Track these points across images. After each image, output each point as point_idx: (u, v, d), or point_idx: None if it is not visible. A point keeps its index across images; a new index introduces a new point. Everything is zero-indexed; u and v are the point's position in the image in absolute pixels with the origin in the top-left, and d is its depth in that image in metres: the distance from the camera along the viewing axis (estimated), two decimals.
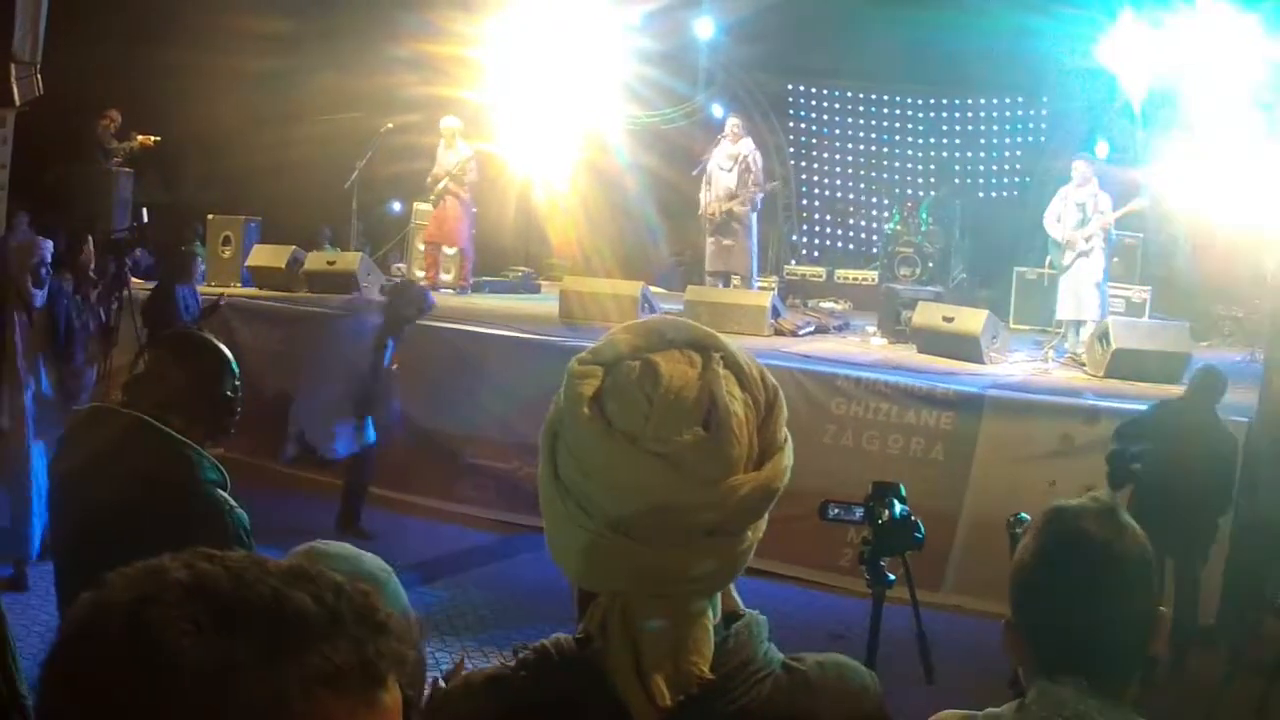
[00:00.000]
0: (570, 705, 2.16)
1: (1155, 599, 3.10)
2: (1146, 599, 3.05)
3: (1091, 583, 2.97)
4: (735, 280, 18.38)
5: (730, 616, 2.25)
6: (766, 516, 2.21)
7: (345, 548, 2.66)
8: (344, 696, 1.29)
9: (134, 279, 16.10)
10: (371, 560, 2.64)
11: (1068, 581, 2.99)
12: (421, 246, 20.37)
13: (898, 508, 4.54)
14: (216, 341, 5.28)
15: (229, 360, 5.15)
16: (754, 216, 18.56)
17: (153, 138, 21.22)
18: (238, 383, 5.15)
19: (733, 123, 18.77)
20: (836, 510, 4.58)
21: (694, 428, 2.08)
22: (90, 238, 15.63)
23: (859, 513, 4.59)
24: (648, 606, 2.13)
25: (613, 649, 2.14)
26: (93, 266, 14.86)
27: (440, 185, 19.39)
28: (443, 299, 18.25)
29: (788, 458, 2.20)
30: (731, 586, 2.29)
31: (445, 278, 20.06)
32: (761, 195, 18.80)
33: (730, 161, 18.33)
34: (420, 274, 19.99)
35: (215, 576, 1.31)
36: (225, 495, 4.80)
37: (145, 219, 18.13)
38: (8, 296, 11.50)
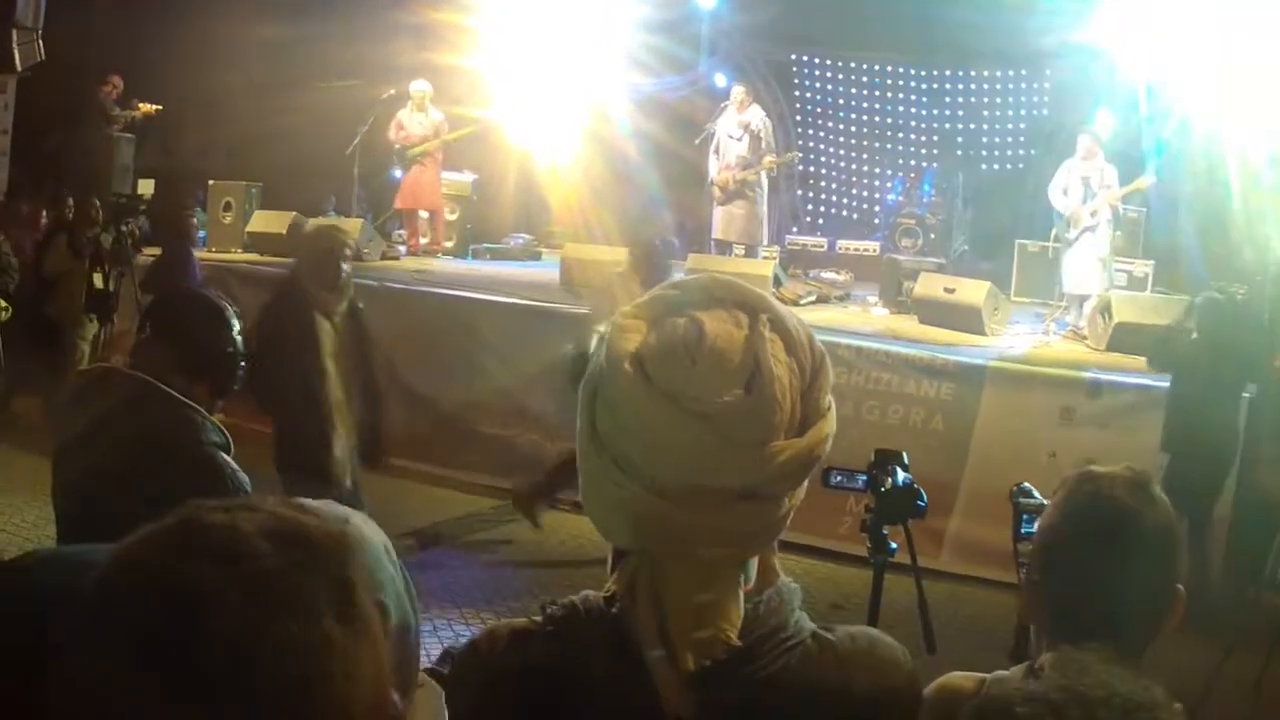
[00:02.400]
0: (593, 665, 2.14)
1: (1177, 574, 3.09)
2: (1169, 571, 3.05)
3: (1117, 550, 2.97)
4: (739, 250, 18.34)
5: (765, 584, 2.23)
6: (805, 484, 2.18)
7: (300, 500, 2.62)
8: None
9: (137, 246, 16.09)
10: (324, 509, 2.59)
11: (1093, 547, 3.00)
12: (426, 215, 20.29)
13: (900, 476, 4.51)
14: (216, 297, 5.23)
15: (228, 315, 5.09)
16: (765, 186, 18.54)
17: (154, 107, 21.20)
18: (239, 337, 5.09)
19: (738, 90, 18.69)
20: (839, 477, 4.55)
21: (735, 389, 2.05)
22: (95, 201, 15.71)
23: (862, 480, 4.56)
24: (678, 568, 2.11)
25: (639, 610, 2.12)
26: (98, 227, 14.93)
27: (421, 148, 19.41)
28: (439, 265, 18.28)
29: (830, 425, 2.16)
30: (774, 554, 2.28)
31: (424, 242, 20.11)
32: (778, 165, 18.79)
33: (740, 130, 18.27)
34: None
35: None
36: (228, 459, 4.75)
37: (141, 188, 18.18)
38: None
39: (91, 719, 1.27)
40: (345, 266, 8.92)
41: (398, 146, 19.58)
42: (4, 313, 14.53)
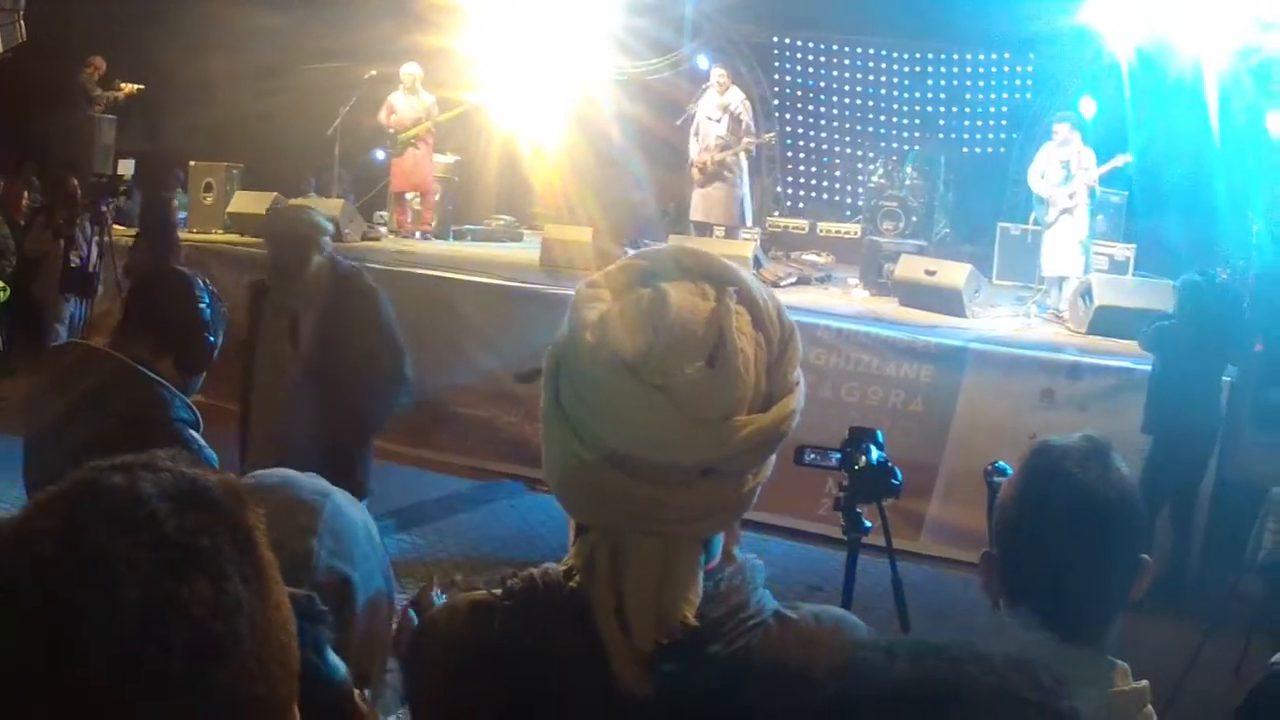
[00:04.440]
0: (550, 641, 2.11)
1: (1140, 545, 3.06)
2: (1130, 544, 3.03)
3: (1069, 522, 2.94)
4: (719, 231, 18.32)
5: (725, 563, 2.20)
6: (771, 461, 2.15)
7: (276, 473, 2.60)
8: None
9: (116, 226, 16.06)
10: (305, 481, 2.58)
11: (1044, 520, 2.98)
12: (410, 196, 20.23)
13: (874, 453, 4.51)
14: (189, 275, 5.18)
15: (197, 291, 5.04)
16: (744, 168, 18.52)
17: (136, 86, 21.15)
18: (208, 314, 5.03)
19: (718, 73, 18.66)
20: (812, 455, 4.54)
21: (698, 362, 2.01)
22: (75, 180, 15.71)
23: (835, 458, 4.56)
24: (637, 544, 2.08)
25: (597, 586, 2.09)
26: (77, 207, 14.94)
27: (411, 133, 19.31)
28: (421, 246, 18.26)
29: (797, 401, 2.13)
30: (736, 533, 2.25)
31: (419, 223, 20.08)
32: (756, 146, 18.79)
33: (719, 112, 18.24)
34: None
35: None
36: (196, 435, 4.72)
37: (121, 169, 18.13)
38: None
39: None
40: (317, 256, 8.32)
41: (390, 130, 19.49)
42: (2, 293, 14.55)
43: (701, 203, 18.53)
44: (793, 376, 2.14)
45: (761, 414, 2.06)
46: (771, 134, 21.14)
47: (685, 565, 2.09)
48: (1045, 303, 16.21)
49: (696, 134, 18.43)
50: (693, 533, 2.11)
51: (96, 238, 15.08)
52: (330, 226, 9.06)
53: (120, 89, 21.15)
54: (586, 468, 2.07)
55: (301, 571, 2.35)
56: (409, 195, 20.05)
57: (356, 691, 2.18)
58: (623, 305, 2.09)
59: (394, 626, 2.66)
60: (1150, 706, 2.92)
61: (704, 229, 18.41)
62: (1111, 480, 3.00)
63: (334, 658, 2.03)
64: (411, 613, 2.88)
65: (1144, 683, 2.93)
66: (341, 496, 2.57)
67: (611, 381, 2.02)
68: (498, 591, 2.21)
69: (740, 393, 2.03)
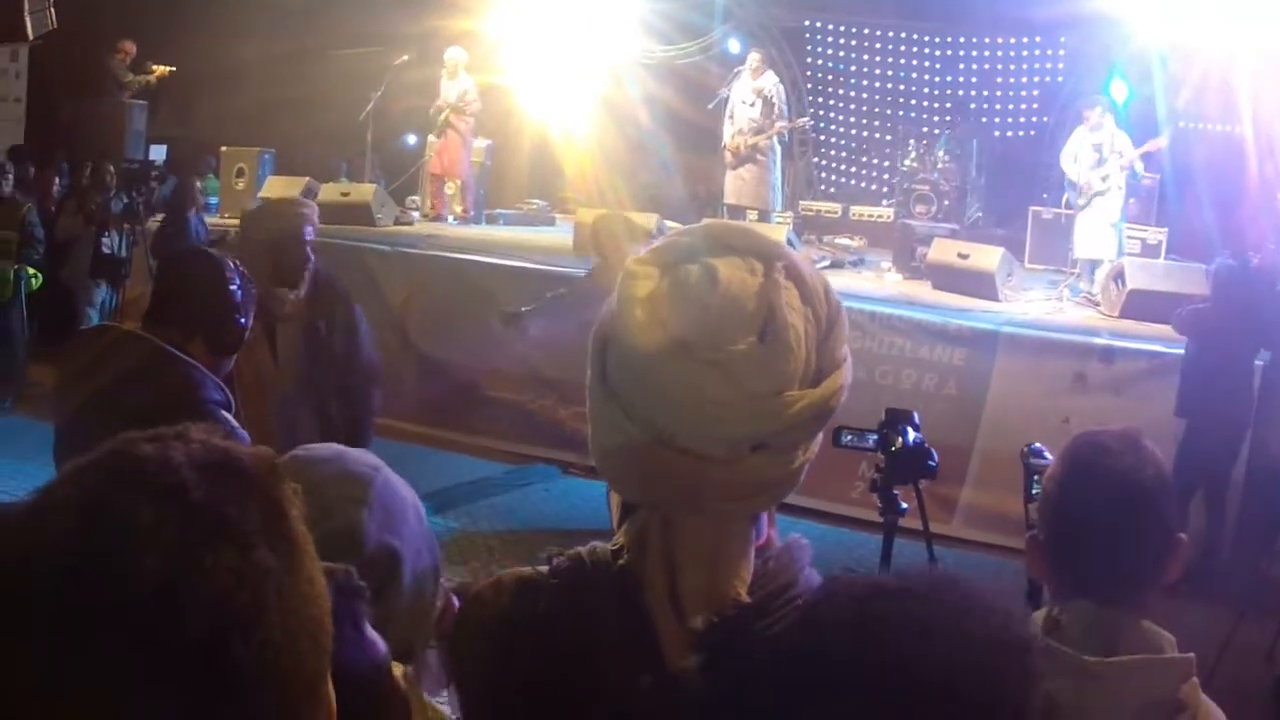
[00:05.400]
0: (598, 618, 2.12)
1: (1174, 526, 3.18)
2: (1164, 525, 3.14)
3: (1110, 509, 3.07)
4: (752, 215, 18.32)
5: (771, 541, 2.21)
6: (819, 439, 2.15)
7: (331, 447, 2.62)
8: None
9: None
10: (358, 455, 2.60)
11: (1086, 508, 3.10)
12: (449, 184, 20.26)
13: (911, 435, 4.51)
14: (216, 254, 5.17)
15: (226, 272, 5.01)
16: (777, 151, 18.52)
17: (168, 68, 21.22)
18: (238, 292, 5.00)
19: (754, 57, 18.68)
20: (850, 436, 4.53)
21: (749, 337, 2.01)
22: (109, 166, 15.77)
23: (872, 439, 4.56)
24: (690, 523, 2.08)
25: (648, 564, 2.09)
26: (110, 192, 15.00)
27: (441, 117, 19.33)
28: (453, 230, 18.28)
29: (845, 376, 2.12)
30: (773, 514, 2.25)
31: (454, 209, 20.07)
32: (789, 130, 18.78)
33: (753, 95, 18.25)
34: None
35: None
36: (228, 415, 4.71)
37: (155, 155, 18.21)
38: None
39: (15, 660, 1.25)
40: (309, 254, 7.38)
41: (431, 112, 19.58)
42: (35, 280, 14.63)
43: (734, 185, 18.55)
44: (840, 352, 2.14)
45: (813, 388, 2.05)
46: (804, 119, 21.11)
47: (737, 543, 2.10)
48: (1078, 286, 16.15)
49: (731, 117, 18.43)
50: (742, 510, 2.12)
51: (128, 224, 15.15)
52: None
53: (152, 71, 21.23)
54: (635, 445, 2.06)
55: (351, 541, 2.38)
56: (450, 182, 20.03)
57: (399, 667, 2.19)
58: (671, 281, 2.08)
59: (439, 604, 2.67)
60: (1196, 679, 2.98)
61: (737, 212, 18.39)
62: (1147, 466, 3.13)
63: (373, 634, 2.04)
64: (454, 598, 2.89)
65: (1190, 655, 2.98)
66: (391, 473, 2.59)
67: (662, 358, 2.01)
68: (544, 569, 2.22)
69: (792, 367, 2.03)
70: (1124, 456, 3.11)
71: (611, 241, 11.32)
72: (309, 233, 7.41)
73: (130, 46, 21.28)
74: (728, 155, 18.48)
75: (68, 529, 1.26)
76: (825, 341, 2.10)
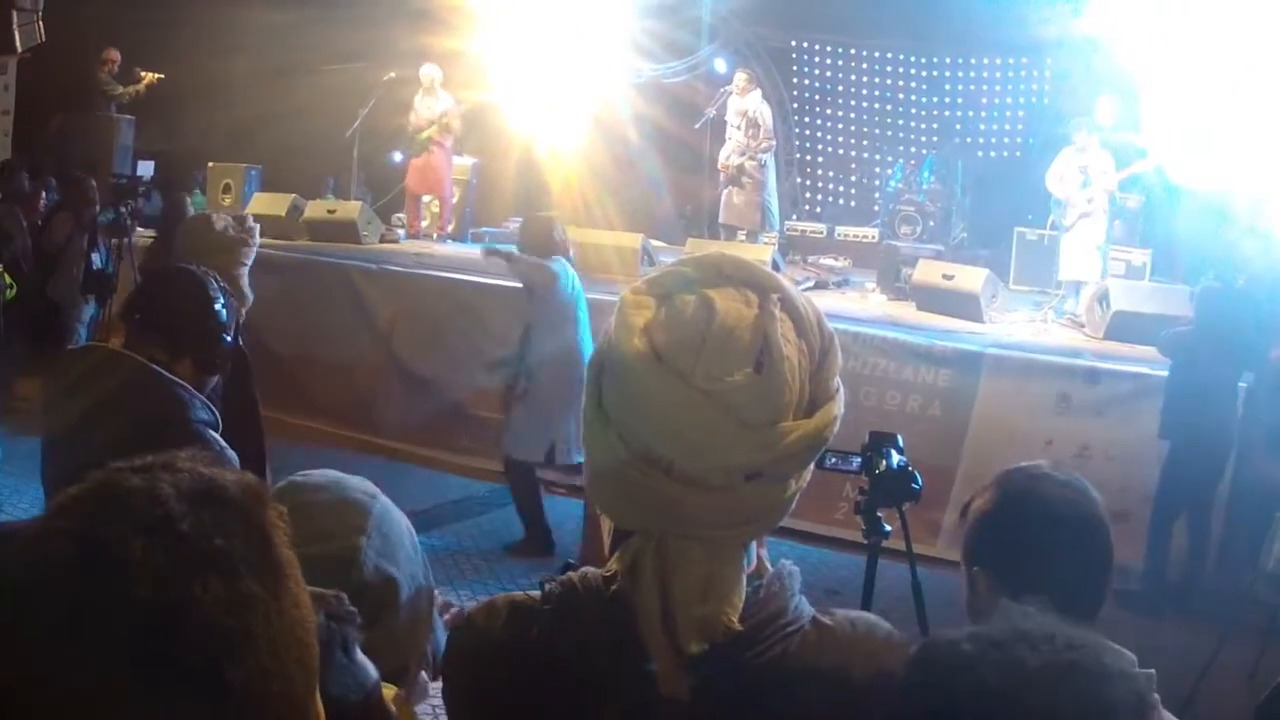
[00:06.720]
0: (591, 645, 2.14)
1: (1108, 540, 3.40)
2: (1100, 538, 3.37)
3: (1050, 522, 3.31)
4: (741, 235, 18.37)
5: (763, 569, 2.23)
6: (811, 468, 2.19)
7: (327, 474, 2.64)
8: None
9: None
10: (356, 483, 2.62)
11: (1029, 525, 3.34)
12: (427, 199, 20.24)
13: (895, 458, 4.54)
14: (199, 272, 5.14)
15: (210, 290, 4.99)
16: (771, 170, 18.59)
17: (156, 75, 21.22)
18: (222, 312, 4.98)
19: (740, 76, 18.73)
20: (834, 459, 4.55)
21: (745, 368, 2.04)
22: (91, 180, 15.73)
23: (856, 462, 4.59)
24: (682, 549, 2.11)
25: (642, 591, 2.11)
26: (95, 206, 14.97)
27: (423, 135, 19.29)
28: (438, 248, 18.26)
29: (838, 407, 2.15)
30: (764, 539, 2.28)
31: (424, 225, 20.08)
32: (766, 151, 18.85)
33: (738, 118, 18.35)
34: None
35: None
36: (215, 436, 4.70)
37: (141, 170, 18.19)
38: None
39: (15, 688, 1.28)
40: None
41: (409, 131, 19.53)
42: (10, 290, 14.52)
43: (725, 205, 18.70)
44: (834, 383, 2.17)
45: (807, 419, 2.09)
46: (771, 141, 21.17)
47: (729, 569, 2.12)
48: (1062, 307, 16.18)
49: (727, 137, 18.60)
50: (735, 538, 2.15)
51: (115, 239, 15.12)
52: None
53: (140, 79, 21.25)
54: (630, 472, 2.10)
55: (349, 568, 2.41)
56: (425, 198, 20.05)
57: (390, 690, 2.21)
58: (668, 312, 2.11)
59: (433, 622, 2.70)
60: (1157, 695, 3.01)
61: (730, 232, 18.49)
62: (1074, 487, 3.37)
63: (363, 658, 2.06)
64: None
65: (1151, 670, 3.02)
66: (386, 499, 2.61)
67: (659, 387, 2.05)
68: (537, 595, 2.23)
69: (787, 398, 2.06)
70: (1053, 479, 3.34)
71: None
72: (242, 274, 6.87)
73: (115, 54, 21.31)
74: (721, 175, 18.56)
75: (66, 559, 1.30)
76: (818, 372, 2.14)
